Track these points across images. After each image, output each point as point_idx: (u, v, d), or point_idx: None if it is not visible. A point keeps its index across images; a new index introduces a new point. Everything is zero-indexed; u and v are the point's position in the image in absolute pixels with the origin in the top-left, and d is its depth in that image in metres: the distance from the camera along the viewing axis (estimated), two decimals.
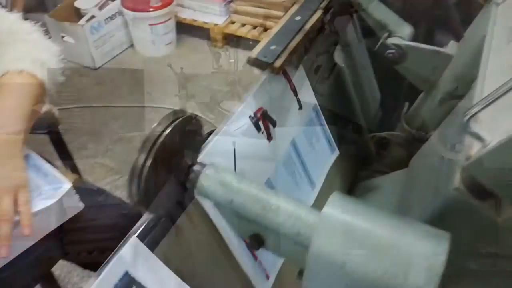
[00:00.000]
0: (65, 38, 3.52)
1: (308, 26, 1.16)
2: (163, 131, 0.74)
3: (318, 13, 1.22)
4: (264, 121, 1.07)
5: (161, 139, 0.73)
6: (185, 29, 3.90)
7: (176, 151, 0.77)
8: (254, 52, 1.05)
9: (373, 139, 1.53)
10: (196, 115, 0.83)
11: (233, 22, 3.80)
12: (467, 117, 0.60)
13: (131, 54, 3.77)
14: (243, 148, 0.97)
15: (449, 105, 1.26)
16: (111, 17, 3.58)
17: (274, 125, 1.10)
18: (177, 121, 0.78)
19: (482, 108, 0.58)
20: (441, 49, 1.24)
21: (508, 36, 0.82)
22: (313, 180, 1.26)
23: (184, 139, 0.79)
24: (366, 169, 1.60)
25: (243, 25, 3.76)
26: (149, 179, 0.71)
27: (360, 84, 1.49)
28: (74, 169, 1.88)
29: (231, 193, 0.72)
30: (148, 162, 0.71)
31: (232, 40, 3.87)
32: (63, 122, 3.14)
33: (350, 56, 1.45)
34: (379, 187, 1.49)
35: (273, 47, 1.06)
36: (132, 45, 3.80)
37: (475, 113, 0.59)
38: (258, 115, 1.05)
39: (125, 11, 3.51)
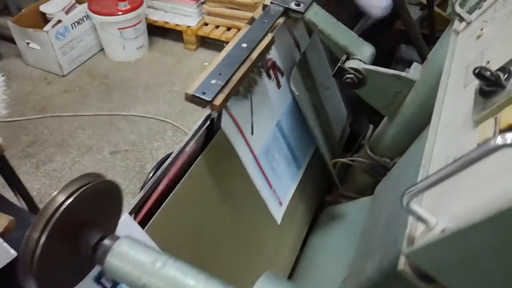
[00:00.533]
0: (31, 45, 3.37)
1: (255, 54, 1.06)
2: (63, 201, 0.64)
3: (268, 37, 1.11)
4: (273, 70, 1.25)
5: (59, 211, 0.63)
6: (157, 31, 3.76)
7: (82, 224, 0.67)
8: (191, 87, 0.94)
9: (335, 165, 1.44)
10: (112, 182, 0.72)
11: (206, 24, 3.67)
12: (408, 196, 0.51)
13: (101, 59, 3.63)
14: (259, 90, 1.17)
15: (414, 132, 1.18)
16: (79, 22, 3.43)
17: (282, 74, 1.29)
18: (84, 188, 0.67)
19: (426, 189, 0.49)
20: (403, 74, 1.15)
21: (466, 78, 0.73)
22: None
23: (94, 208, 0.69)
24: (332, 193, 1.52)
25: (217, 26, 3.63)
26: (43, 265, 0.60)
27: (322, 107, 1.40)
28: (25, 196, 1.77)
29: (144, 276, 0.62)
30: (42, 240, 0.61)
31: (207, 42, 3.75)
32: (29, 133, 3.04)
33: (310, 77, 1.36)
34: (344, 215, 1.40)
35: (213, 81, 0.95)
36: (102, 49, 3.65)
37: (418, 192, 0.50)
38: (269, 63, 1.21)
39: (93, 15, 3.36)
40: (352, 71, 1.16)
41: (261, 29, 1.11)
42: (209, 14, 3.61)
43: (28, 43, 3.37)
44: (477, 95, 0.60)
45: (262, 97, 1.19)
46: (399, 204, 0.52)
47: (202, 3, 3.61)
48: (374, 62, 1.22)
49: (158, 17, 3.69)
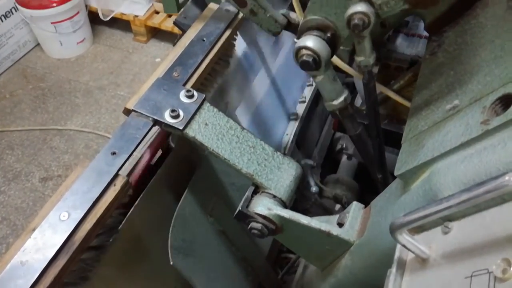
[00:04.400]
0: None
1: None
2: None
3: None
4: None
5: None
6: (104, 20, 3.28)
7: None
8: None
9: None
10: None
11: (157, 12, 3.19)
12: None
13: (38, 56, 3.17)
14: None
15: None
16: (6, 15, 2.94)
17: None
18: None
19: None
20: (333, 230, 0.78)
21: None
22: None
23: None
24: None
25: (169, 15, 3.15)
26: None
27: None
28: None
29: None
30: None
31: (160, 32, 3.28)
32: None
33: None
34: None
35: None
36: (38, 44, 3.18)
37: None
38: None
39: (21, 8, 2.87)
40: (259, 218, 0.80)
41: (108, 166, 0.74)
42: (160, 0, 3.12)
43: None
44: None
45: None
46: None
47: None
48: None
49: (102, 4, 3.19)
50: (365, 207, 0.82)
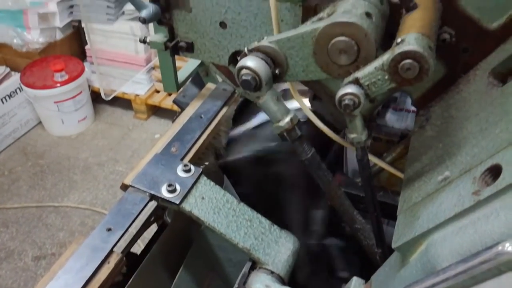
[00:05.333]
0: None
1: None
2: None
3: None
4: None
5: None
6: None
7: None
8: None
9: None
10: None
11: (158, 91, 3.31)
12: None
13: (39, 134, 3.24)
14: None
15: None
16: (11, 95, 3.05)
17: None
18: None
19: None
20: None
21: None
22: None
23: None
24: None
25: (170, 94, 3.27)
26: None
27: None
28: None
29: None
30: None
31: (160, 109, 3.38)
32: None
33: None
34: None
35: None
36: (40, 122, 3.26)
37: None
38: None
39: (25, 88, 2.98)
40: None
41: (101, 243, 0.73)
42: (161, 81, 3.25)
43: None
44: None
45: None
46: None
47: (152, 68, 3.26)
48: None
49: (104, 85, 3.32)
50: (366, 282, 0.80)
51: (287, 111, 0.76)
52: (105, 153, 3.07)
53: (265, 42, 0.72)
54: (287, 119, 0.75)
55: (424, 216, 0.62)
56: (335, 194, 0.86)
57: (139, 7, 0.91)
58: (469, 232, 0.53)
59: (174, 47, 0.99)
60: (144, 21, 0.91)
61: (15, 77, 3.08)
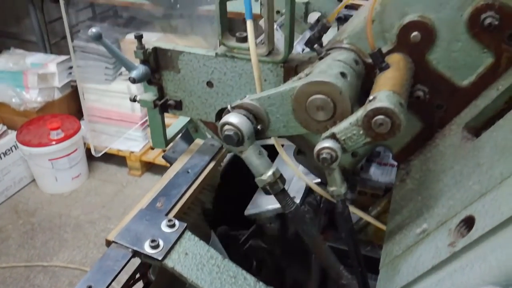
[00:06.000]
0: None
1: None
2: None
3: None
4: None
5: None
6: (100, 156, 3.42)
7: None
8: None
9: None
10: None
11: (152, 148, 3.35)
12: None
13: (32, 192, 3.22)
14: None
15: None
16: (6, 152, 3.07)
17: None
18: None
19: None
20: None
21: None
22: None
23: None
24: None
25: (164, 150, 3.30)
26: None
27: None
28: None
29: None
30: None
31: (154, 166, 3.40)
32: None
33: None
34: None
35: None
36: (34, 180, 3.26)
37: None
38: None
39: (21, 146, 3.01)
40: None
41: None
42: None
43: None
44: None
45: None
46: None
47: (148, 125, 3.31)
48: None
49: (99, 142, 3.36)
50: None
51: (270, 165, 0.77)
52: (98, 211, 3.04)
53: (247, 99, 0.76)
54: (269, 172, 0.76)
55: (404, 270, 0.62)
56: (319, 249, 0.86)
57: (129, 68, 0.96)
58: (447, 285, 0.53)
59: (163, 105, 1.03)
60: (134, 81, 0.95)
61: (11, 135, 3.12)
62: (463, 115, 0.78)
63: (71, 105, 3.47)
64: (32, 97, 3.20)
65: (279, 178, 0.78)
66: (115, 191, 3.23)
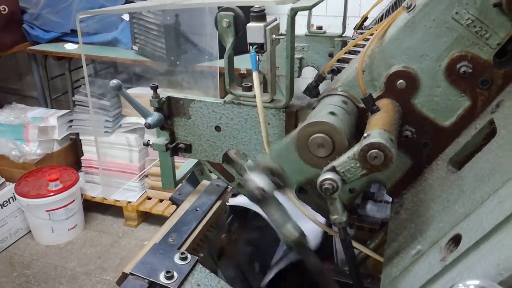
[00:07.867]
0: None
1: None
2: None
3: None
4: None
5: None
6: (97, 207, 3.45)
7: None
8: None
9: None
10: None
11: (149, 198, 3.39)
12: None
13: (27, 243, 3.21)
14: None
15: None
16: (3, 204, 3.09)
17: None
18: None
19: None
20: None
21: None
22: None
23: None
24: None
25: (161, 200, 3.35)
26: None
27: None
28: None
29: None
30: None
31: (150, 216, 3.43)
32: None
33: None
34: None
35: None
36: (30, 231, 3.26)
37: None
38: None
39: (19, 197, 3.04)
40: None
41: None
42: (153, 188, 3.36)
43: None
44: None
45: None
46: None
47: (146, 176, 3.38)
48: None
49: (96, 192, 3.40)
50: None
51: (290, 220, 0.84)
52: (93, 262, 3.03)
53: (261, 160, 0.84)
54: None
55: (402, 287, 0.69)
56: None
57: (145, 115, 1.06)
58: None
59: (174, 148, 1.12)
60: (149, 127, 1.05)
61: (9, 187, 3.16)
62: (447, 151, 0.88)
63: (69, 156, 3.54)
64: (32, 149, 3.27)
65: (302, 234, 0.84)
66: (111, 242, 3.23)
